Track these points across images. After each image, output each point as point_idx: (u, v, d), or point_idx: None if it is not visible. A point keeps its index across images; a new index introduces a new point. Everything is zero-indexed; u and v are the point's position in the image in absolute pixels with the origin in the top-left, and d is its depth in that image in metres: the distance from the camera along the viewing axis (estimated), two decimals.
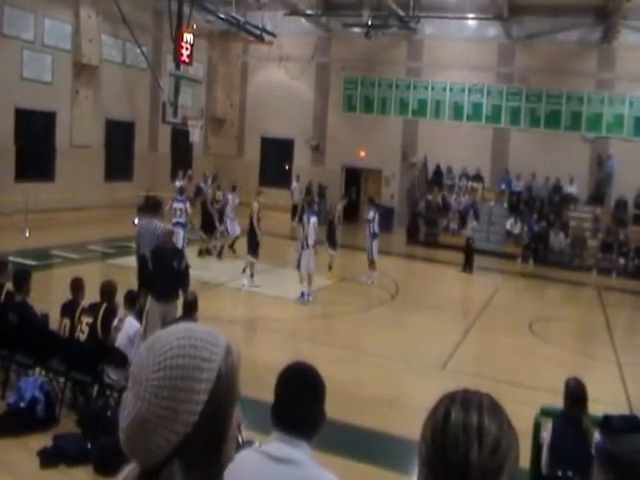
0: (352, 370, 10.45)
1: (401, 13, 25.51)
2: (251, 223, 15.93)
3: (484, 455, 1.36)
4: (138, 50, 23.43)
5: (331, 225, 18.16)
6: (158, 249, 9.89)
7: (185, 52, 21.54)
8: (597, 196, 26.20)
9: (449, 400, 1.45)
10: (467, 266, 20.42)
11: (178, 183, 19.63)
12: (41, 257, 16.10)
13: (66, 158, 24.04)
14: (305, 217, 15.56)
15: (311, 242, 14.97)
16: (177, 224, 15.62)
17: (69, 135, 24.37)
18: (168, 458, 1.36)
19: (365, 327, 13.73)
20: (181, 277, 9.90)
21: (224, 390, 1.40)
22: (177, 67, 22.03)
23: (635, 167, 24.75)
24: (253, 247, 15.92)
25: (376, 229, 17.65)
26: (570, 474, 5.34)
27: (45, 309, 8.74)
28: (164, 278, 9.62)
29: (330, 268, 17.84)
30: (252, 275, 15.83)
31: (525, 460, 5.87)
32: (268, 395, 2.65)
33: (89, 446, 6.76)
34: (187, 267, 10.26)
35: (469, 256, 20.49)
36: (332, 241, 17.89)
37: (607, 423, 5.45)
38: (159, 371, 1.36)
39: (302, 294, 14.93)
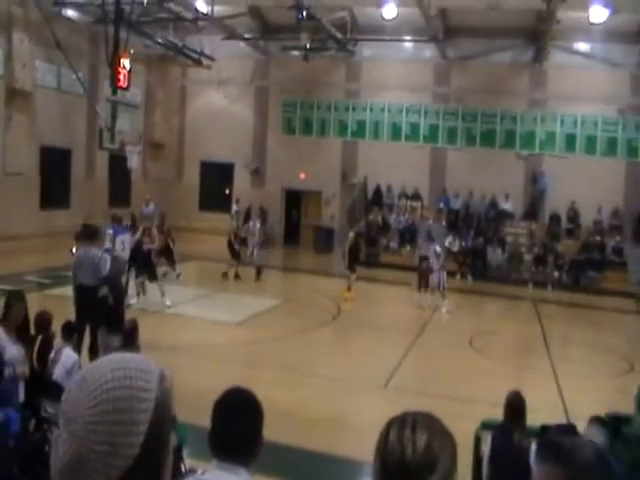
0: (294, 392, 10.43)
1: (339, 36, 25.84)
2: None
3: (417, 454, 1.57)
4: (74, 75, 23.12)
5: (351, 252, 19.34)
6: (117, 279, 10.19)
7: (122, 77, 21.35)
8: (532, 211, 26.87)
9: (390, 421, 1.67)
10: (422, 285, 20.16)
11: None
12: None
13: None
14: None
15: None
16: (107, 251, 15.44)
17: (1, 163, 23.74)
18: None
19: (307, 349, 13.71)
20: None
21: (162, 418, 1.37)
22: (114, 92, 21.81)
23: (567, 182, 25.53)
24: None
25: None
26: None
27: None
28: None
29: (349, 289, 18.77)
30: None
31: (467, 473, 5.94)
32: (208, 421, 2.66)
33: None
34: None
35: (424, 276, 20.17)
36: (351, 267, 19.12)
37: (545, 433, 5.59)
38: (95, 407, 1.31)
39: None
